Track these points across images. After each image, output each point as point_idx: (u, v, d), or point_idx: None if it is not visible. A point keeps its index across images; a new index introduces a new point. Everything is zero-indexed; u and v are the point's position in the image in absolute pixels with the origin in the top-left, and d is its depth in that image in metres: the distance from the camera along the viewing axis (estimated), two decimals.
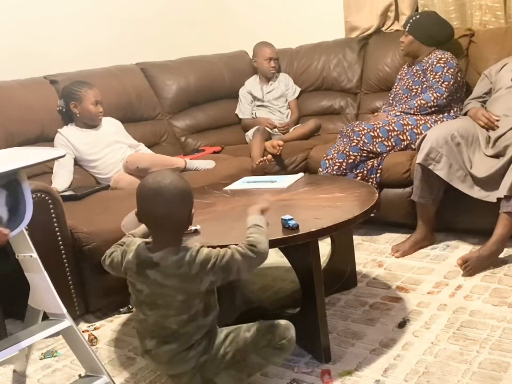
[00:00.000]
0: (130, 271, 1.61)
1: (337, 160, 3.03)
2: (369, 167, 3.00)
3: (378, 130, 3.03)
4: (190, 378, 1.66)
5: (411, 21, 3.25)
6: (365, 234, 3.09)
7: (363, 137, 3.00)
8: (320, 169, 3.10)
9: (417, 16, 3.28)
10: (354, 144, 3.01)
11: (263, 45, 3.94)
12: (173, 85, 3.77)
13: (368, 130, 3.02)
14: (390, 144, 3.03)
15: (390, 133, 3.03)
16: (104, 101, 3.14)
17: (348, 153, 3.02)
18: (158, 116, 3.70)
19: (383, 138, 3.02)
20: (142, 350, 1.69)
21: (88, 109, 3.06)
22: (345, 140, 3.08)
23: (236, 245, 1.60)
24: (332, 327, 2.16)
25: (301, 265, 1.99)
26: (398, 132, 3.04)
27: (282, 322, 1.70)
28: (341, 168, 3.02)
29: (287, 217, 1.85)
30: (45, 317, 1.90)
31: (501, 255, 2.59)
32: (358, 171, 3.01)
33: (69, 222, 2.43)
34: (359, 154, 3.00)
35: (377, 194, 2.15)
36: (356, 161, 3.01)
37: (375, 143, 3.00)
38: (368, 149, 3.00)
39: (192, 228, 1.90)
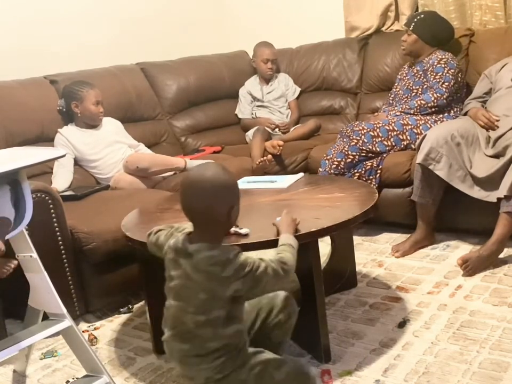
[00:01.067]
0: (168, 256, 1.56)
1: (335, 159, 3.03)
2: (368, 167, 3.00)
3: (378, 130, 3.03)
4: None
5: (415, 20, 3.24)
6: (365, 235, 3.09)
7: (363, 136, 3.00)
8: (320, 169, 3.10)
9: (422, 16, 3.27)
10: (353, 143, 3.01)
11: (262, 45, 3.93)
12: (173, 85, 3.77)
13: (368, 130, 3.02)
14: (389, 144, 3.03)
15: (389, 133, 3.03)
16: (104, 101, 3.14)
17: (346, 153, 3.02)
18: (158, 116, 3.70)
19: (382, 138, 3.02)
20: (163, 338, 1.61)
21: (89, 109, 3.06)
22: (345, 139, 3.08)
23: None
24: (332, 327, 2.16)
25: (301, 265, 1.98)
26: (398, 132, 3.04)
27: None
28: (339, 167, 3.02)
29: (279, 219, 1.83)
30: (45, 317, 1.90)
31: (501, 255, 2.59)
32: (355, 171, 3.01)
33: (69, 222, 2.43)
34: (358, 153, 3.00)
35: (377, 195, 2.15)
36: (354, 161, 3.01)
37: (374, 142, 3.01)
38: (368, 149, 3.00)
39: (241, 231, 1.84)
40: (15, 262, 1.78)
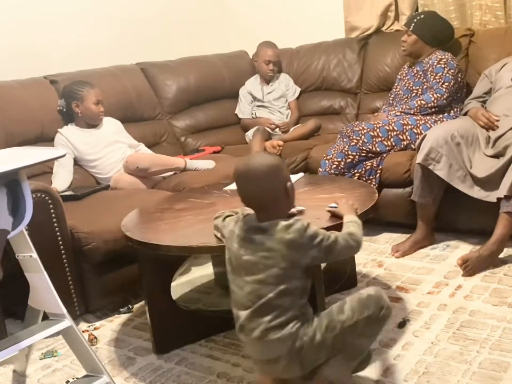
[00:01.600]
0: (234, 236, 1.65)
1: (335, 159, 3.03)
2: (368, 167, 3.00)
3: (378, 130, 3.03)
4: (286, 364, 1.60)
5: (415, 20, 3.24)
6: (365, 234, 3.04)
7: (363, 136, 3.00)
8: (320, 169, 3.09)
9: (422, 16, 3.26)
10: (353, 143, 3.01)
11: (265, 45, 3.92)
12: (173, 85, 3.77)
13: (368, 130, 3.02)
14: (389, 144, 3.03)
15: (389, 133, 3.03)
16: (104, 101, 3.14)
17: (346, 153, 3.02)
18: (158, 116, 3.70)
19: (382, 138, 3.02)
20: (237, 326, 1.64)
21: (90, 108, 3.06)
22: (345, 139, 3.08)
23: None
24: None
25: None
26: (398, 132, 3.04)
27: (372, 291, 1.66)
28: (339, 167, 3.02)
29: (333, 205, 1.94)
30: (45, 317, 1.90)
31: (501, 255, 2.59)
32: (355, 171, 3.01)
33: (69, 222, 2.43)
34: (358, 153, 3.00)
35: (377, 195, 2.15)
36: (354, 161, 3.01)
37: (374, 142, 3.00)
38: (367, 149, 3.00)
39: (297, 208, 1.90)
40: None
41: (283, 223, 1.56)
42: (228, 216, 1.81)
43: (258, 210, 1.63)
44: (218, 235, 1.83)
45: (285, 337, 1.56)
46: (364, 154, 3.01)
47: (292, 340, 1.57)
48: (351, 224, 1.74)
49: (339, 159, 3.02)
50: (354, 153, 3.01)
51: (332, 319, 1.61)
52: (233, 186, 2.51)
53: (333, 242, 1.60)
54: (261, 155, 1.73)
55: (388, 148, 3.03)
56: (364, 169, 3.00)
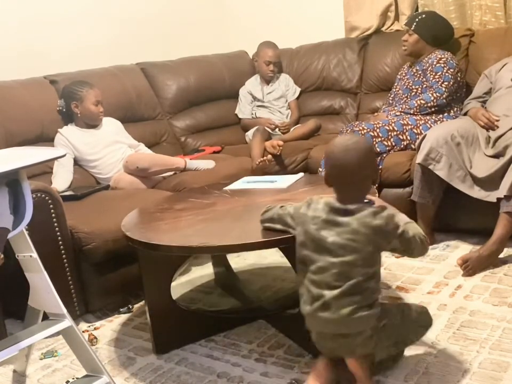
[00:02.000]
0: (309, 219, 1.68)
1: None
2: None
3: (378, 130, 3.03)
4: (365, 339, 1.67)
5: (417, 19, 3.24)
6: None
7: (363, 137, 3.00)
8: (320, 169, 3.10)
9: (423, 16, 3.26)
10: None
11: (266, 46, 3.91)
12: (173, 85, 3.77)
13: (368, 130, 3.02)
14: (389, 144, 3.03)
15: (389, 133, 3.03)
16: (104, 101, 3.14)
17: None
18: (158, 116, 3.70)
19: (382, 138, 3.02)
20: (318, 304, 1.65)
21: (89, 109, 3.06)
22: None
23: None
24: None
25: None
26: (398, 132, 3.04)
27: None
28: None
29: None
30: (45, 317, 1.90)
31: (501, 255, 2.59)
32: None
33: (69, 222, 2.43)
34: None
35: (377, 195, 2.15)
36: None
37: (374, 142, 3.00)
38: None
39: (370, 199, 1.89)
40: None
41: (370, 209, 1.63)
42: (282, 206, 1.84)
43: (344, 190, 1.68)
44: (278, 226, 1.83)
45: (373, 315, 1.65)
46: None
47: (377, 318, 1.67)
48: (414, 225, 1.73)
49: None
50: None
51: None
52: (233, 186, 2.53)
53: (412, 238, 1.67)
54: (356, 136, 1.85)
55: (388, 148, 3.03)
56: None
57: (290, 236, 1.79)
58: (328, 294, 1.63)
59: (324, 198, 1.72)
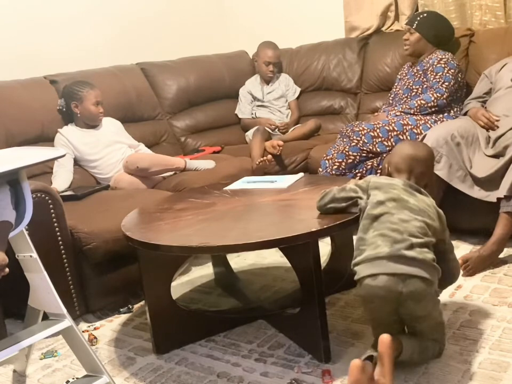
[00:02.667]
0: (387, 187, 1.87)
1: (336, 160, 3.03)
2: (368, 167, 3.00)
3: (378, 130, 3.03)
4: (433, 295, 1.82)
5: (418, 18, 3.24)
6: None
7: (363, 137, 3.00)
8: (320, 169, 3.09)
9: (425, 15, 3.26)
10: (354, 144, 3.01)
11: (265, 46, 3.91)
12: (173, 85, 3.77)
13: (368, 130, 3.02)
14: (389, 144, 3.03)
15: (389, 133, 3.03)
16: (104, 101, 3.14)
17: (347, 153, 3.02)
18: (158, 116, 3.70)
19: (383, 138, 3.02)
20: (390, 248, 1.76)
21: (89, 109, 3.06)
22: (345, 140, 3.08)
23: None
24: (332, 327, 2.16)
25: (301, 265, 1.99)
26: (398, 132, 3.04)
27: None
28: (340, 168, 3.02)
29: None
30: (45, 317, 1.90)
31: (501, 255, 2.59)
32: (357, 171, 3.01)
33: (69, 222, 2.43)
34: (359, 154, 3.00)
35: None
36: (355, 161, 3.01)
37: (374, 143, 3.00)
38: (368, 149, 3.00)
39: None
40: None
41: (432, 200, 1.91)
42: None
43: (414, 176, 1.95)
44: (343, 204, 1.95)
45: (437, 270, 1.81)
46: (364, 154, 3.01)
47: (438, 274, 1.82)
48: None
49: (340, 160, 3.02)
50: (355, 154, 3.01)
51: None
52: (233, 186, 2.53)
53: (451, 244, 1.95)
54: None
55: (388, 148, 3.02)
56: (365, 168, 3.00)
57: (290, 236, 1.79)
58: (414, 240, 1.77)
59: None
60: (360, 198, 1.90)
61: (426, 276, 1.75)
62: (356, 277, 1.84)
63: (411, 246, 1.76)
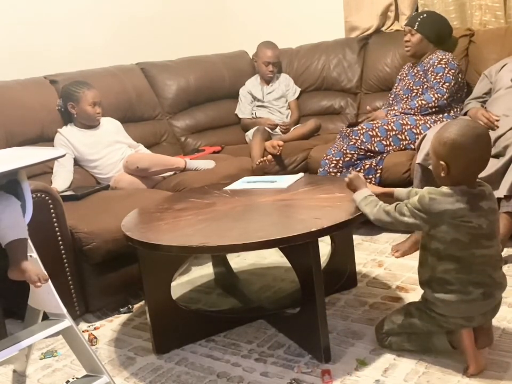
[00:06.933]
0: (459, 211, 1.69)
1: (334, 158, 3.04)
2: (367, 166, 3.01)
3: (377, 129, 3.03)
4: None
5: (419, 19, 3.24)
6: (365, 234, 3.08)
7: (361, 136, 3.01)
8: (320, 169, 3.10)
9: (425, 15, 3.26)
10: (352, 143, 3.02)
11: (265, 46, 3.91)
12: (173, 85, 3.77)
13: (367, 129, 3.02)
14: (388, 143, 3.03)
15: (388, 133, 3.04)
16: (104, 101, 3.14)
17: (344, 151, 3.02)
18: (158, 116, 3.70)
19: (381, 138, 3.02)
20: (488, 288, 1.78)
21: (85, 110, 3.05)
22: (344, 140, 3.09)
23: None
24: (332, 327, 2.16)
25: (301, 265, 1.99)
26: (397, 132, 3.04)
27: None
28: (338, 166, 3.02)
29: None
30: (45, 317, 1.90)
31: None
32: (355, 170, 3.01)
33: (69, 222, 2.43)
34: (356, 152, 3.01)
35: None
36: (353, 160, 3.02)
37: (373, 142, 3.01)
38: (366, 148, 3.00)
39: None
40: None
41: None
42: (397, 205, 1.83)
43: (474, 175, 1.76)
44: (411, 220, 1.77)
45: None
46: (362, 153, 3.01)
47: None
48: None
49: (337, 158, 3.03)
50: (353, 152, 3.01)
51: None
52: (233, 186, 2.53)
53: None
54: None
55: (386, 148, 3.03)
56: (363, 168, 3.01)
57: (290, 236, 1.80)
58: (497, 274, 1.80)
59: (445, 190, 1.72)
60: (425, 226, 1.79)
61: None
62: None
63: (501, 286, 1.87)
